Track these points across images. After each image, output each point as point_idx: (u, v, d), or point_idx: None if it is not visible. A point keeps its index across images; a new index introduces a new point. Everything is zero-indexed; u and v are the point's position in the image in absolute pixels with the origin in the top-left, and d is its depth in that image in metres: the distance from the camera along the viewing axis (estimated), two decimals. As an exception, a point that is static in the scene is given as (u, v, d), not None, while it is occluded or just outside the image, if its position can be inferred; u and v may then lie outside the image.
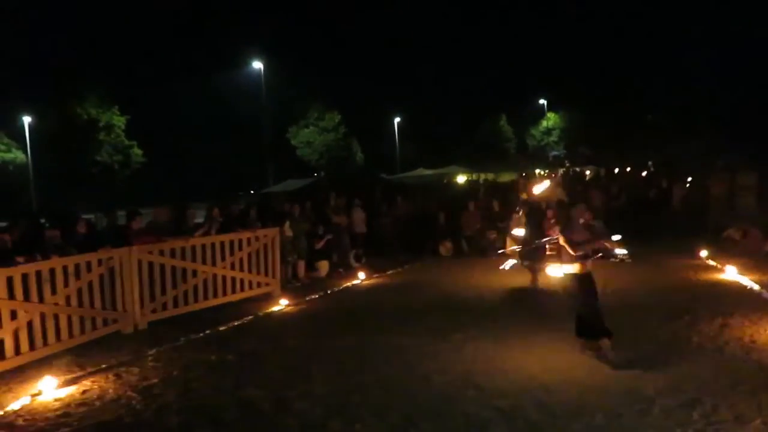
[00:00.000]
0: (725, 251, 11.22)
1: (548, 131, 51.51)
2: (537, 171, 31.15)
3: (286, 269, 10.91)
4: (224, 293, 9.37)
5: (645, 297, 8.51)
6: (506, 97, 51.15)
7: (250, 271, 9.78)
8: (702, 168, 17.15)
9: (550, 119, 51.51)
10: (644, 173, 23.52)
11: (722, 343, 6.23)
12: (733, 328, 6.69)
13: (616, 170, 24.82)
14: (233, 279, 9.53)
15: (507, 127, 52.98)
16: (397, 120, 51.15)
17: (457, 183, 28.12)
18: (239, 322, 8.31)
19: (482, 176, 29.24)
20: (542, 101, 52.48)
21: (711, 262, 10.73)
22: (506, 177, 29.07)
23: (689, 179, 16.73)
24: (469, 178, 29.55)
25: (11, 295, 6.55)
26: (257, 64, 37.67)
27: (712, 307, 7.59)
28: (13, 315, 6.59)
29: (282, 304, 9.20)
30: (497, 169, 34.20)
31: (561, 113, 50.78)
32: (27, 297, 6.72)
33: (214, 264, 9.18)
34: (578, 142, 47.12)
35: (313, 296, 9.88)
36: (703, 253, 11.23)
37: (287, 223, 11.12)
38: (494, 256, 12.61)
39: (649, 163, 28.57)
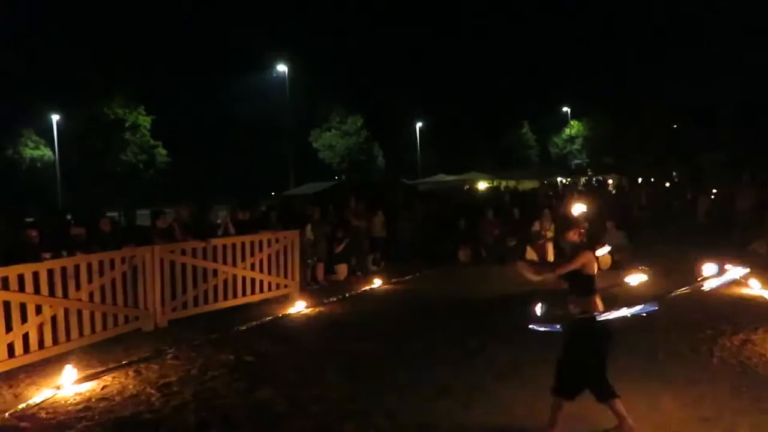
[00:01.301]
0: (750, 265, 11.02)
1: (571, 139, 51.13)
2: (559, 179, 30.95)
3: (305, 272, 10.98)
4: (244, 294, 9.46)
5: (665, 309, 8.38)
6: (529, 104, 51.02)
7: (269, 273, 9.87)
8: (728, 180, 16.88)
9: (573, 127, 51.12)
10: (668, 184, 23.24)
11: (744, 358, 6.12)
12: (755, 344, 6.57)
13: (639, 180, 24.55)
14: (253, 280, 9.63)
15: (529, 134, 52.76)
16: (419, 125, 51.18)
17: (477, 189, 28.03)
18: (258, 323, 8.38)
19: (503, 183, 29.10)
20: (566, 109, 52.19)
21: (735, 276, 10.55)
22: (528, 184, 28.93)
23: (714, 191, 16.48)
24: (490, 185, 29.43)
25: (36, 290, 6.70)
26: (282, 67, 38.00)
27: (735, 321, 7.46)
28: (38, 309, 6.73)
29: (300, 306, 9.26)
30: (519, 176, 34.06)
31: (584, 121, 50.37)
32: (52, 292, 6.87)
33: (234, 264, 9.29)
34: (601, 150, 46.73)
35: (331, 299, 9.92)
36: (728, 267, 11.05)
37: (309, 226, 11.21)
38: (513, 263, 12.60)
39: (674, 173, 28.23)
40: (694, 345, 6.63)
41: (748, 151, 27.09)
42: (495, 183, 29.73)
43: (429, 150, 50.54)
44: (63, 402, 5.56)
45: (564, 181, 31.10)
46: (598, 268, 4.55)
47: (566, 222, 4.73)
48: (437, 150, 49.33)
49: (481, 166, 37.82)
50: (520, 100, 52.52)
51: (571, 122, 51.51)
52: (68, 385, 5.87)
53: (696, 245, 12.65)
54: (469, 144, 48.22)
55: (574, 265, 4.37)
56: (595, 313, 4.33)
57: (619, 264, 11.72)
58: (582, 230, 4.51)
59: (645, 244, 12.52)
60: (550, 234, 12.96)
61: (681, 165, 30.89)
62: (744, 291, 9.47)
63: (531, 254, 13.10)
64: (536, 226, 13.16)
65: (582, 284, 4.39)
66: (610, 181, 26.67)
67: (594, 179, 28.13)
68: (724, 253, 11.53)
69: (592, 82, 49.10)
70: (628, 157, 38.84)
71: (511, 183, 29.83)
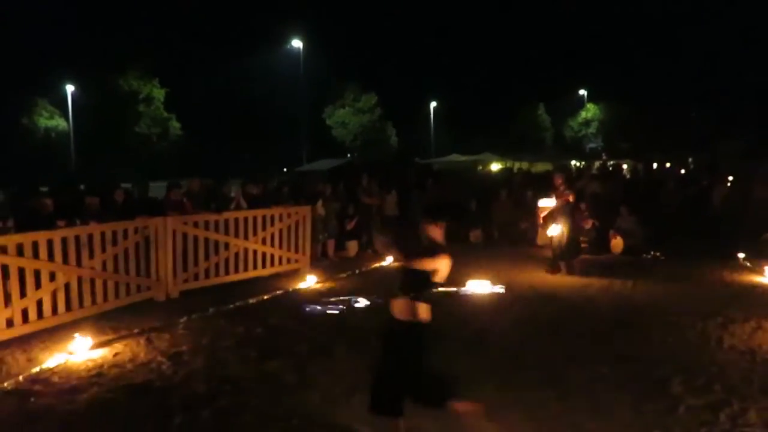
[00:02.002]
0: (764, 254, 10.92)
1: (586, 122, 50.54)
2: (573, 163, 30.70)
3: (316, 247, 11.02)
4: (255, 267, 9.51)
5: (677, 296, 8.35)
6: (546, 86, 50.37)
7: (281, 247, 9.91)
8: (745, 168, 16.64)
9: (589, 110, 50.51)
10: (683, 171, 22.98)
11: (755, 346, 6.08)
12: (766, 332, 6.53)
13: (655, 165, 24.32)
14: (264, 254, 9.67)
15: (544, 117, 52.17)
16: (433, 105, 50.81)
17: (490, 171, 27.88)
18: (268, 296, 8.44)
19: (516, 165, 28.90)
20: (582, 92, 51.52)
21: (748, 264, 10.47)
22: (541, 167, 28.72)
23: (731, 179, 16.27)
24: (504, 166, 29.25)
25: (50, 257, 6.77)
26: (297, 43, 37.77)
27: (747, 309, 7.41)
28: (52, 277, 6.81)
29: (310, 281, 9.30)
30: (532, 158, 33.80)
31: (601, 105, 49.75)
32: (65, 260, 6.94)
33: (246, 238, 9.32)
34: (617, 134, 46.22)
35: (341, 275, 9.96)
36: (741, 255, 10.96)
37: (320, 202, 11.22)
38: (525, 246, 12.56)
39: (690, 160, 27.91)
40: (705, 331, 6.60)
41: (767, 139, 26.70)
42: (508, 164, 29.53)
43: (443, 130, 50.24)
44: (75, 367, 5.65)
45: (578, 164, 30.82)
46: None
47: (433, 212, 4.01)
48: (451, 130, 49.00)
49: (494, 147, 37.57)
50: (537, 81, 51.88)
51: (588, 105, 50.90)
52: (81, 351, 5.96)
53: (709, 234, 12.57)
54: (484, 125, 47.84)
55: (427, 265, 3.84)
56: (420, 322, 3.82)
57: (632, 249, 11.67)
58: (442, 228, 3.91)
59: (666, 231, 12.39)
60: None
61: (698, 152, 30.52)
62: (757, 279, 9.41)
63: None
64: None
65: (420, 288, 3.82)
66: (625, 167, 26.40)
67: (608, 164, 27.87)
68: (736, 242, 11.48)
69: (610, 65, 48.32)
70: (643, 142, 38.43)
71: (525, 165, 29.63)
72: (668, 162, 25.81)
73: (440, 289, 4.00)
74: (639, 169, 22.82)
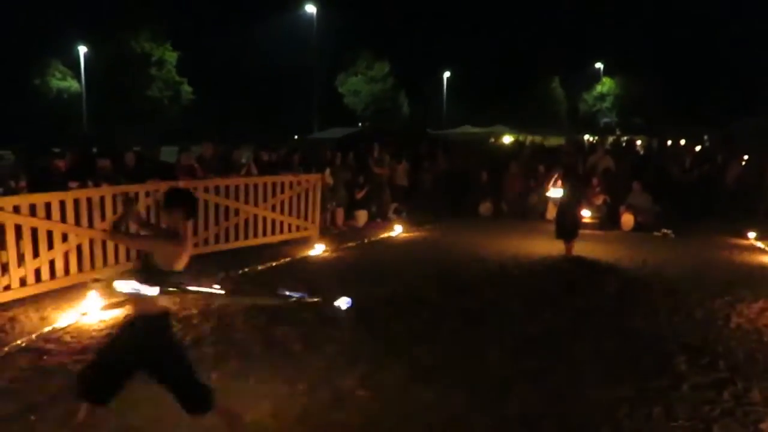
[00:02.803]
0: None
1: (602, 97, 49.86)
2: (586, 137, 30.37)
3: (324, 216, 11.05)
4: (264, 234, 9.57)
5: (685, 274, 8.33)
6: (561, 59, 49.46)
7: (290, 215, 9.94)
8: (761, 146, 16.40)
9: (605, 84, 49.74)
10: (698, 147, 22.66)
11: (761, 325, 6.07)
12: (774, 312, 6.53)
13: (669, 142, 23.96)
14: (273, 221, 9.72)
15: (559, 90, 51.46)
16: (446, 74, 50.22)
17: (502, 143, 27.65)
18: (276, 263, 8.50)
19: (529, 138, 28.62)
20: (599, 65, 50.67)
21: (759, 244, 10.40)
22: (554, 141, 28.45)
23: (746, 157, 16.07)
24: (516, 139, 28.98)
25: (63, 219, 6.83)
26: (310, 8, 37.27)
27: (755, 289, 7.38)
28: (64, 237, 6.89)
29: (319, 249, 9.35)
30: (545, 132, 33.46)
31: (617, 79, 48.96)
32: (78, 221, 7.01)
33: (255, 205, 9.36)
34: (632, 110, 45.57)
35: (349, 244, 10.01)
36: (751, 234, 10.89)
37: (328, 170, 11.20)
38: (534, 219, 12.52)
39: (705, 137, 27.50)
40: (713, 310, 6.60)
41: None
42: (521, 138, 29.24)
43: (455, 101, 49.72)
44: (87, 327, 5.74)
45: (591, 139, 30.49)
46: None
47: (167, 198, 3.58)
48: (464, 101, 48.48)
49: (507, 119, 37.18)
50: (552, 54, 50.91)
51: (604, 79, 50.12)
52: (92, 312, 6.05)
53: (721, 213, 12.48)
54: (497, 97, 47.29)
55: (147, 245, 3.60)
56: (157, 314, 3.42)
57: (642, 226, 11.61)
58: (186, 218, 3.52)
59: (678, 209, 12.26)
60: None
61: (713, 128, 30.06)
62: (767, 259, 9.36)
63: (552, 212, 13.00)
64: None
65: (153, 276, 3.35)
66: (639, 142, 26.07)
67: (622, 139, 27.55)
68: (747, 222, 11.39)
69: (627, 38, 47.25)
70: (659, 118, 37.91)
71: (537, 138, 29.34)
72: (683, 139, 25.44)
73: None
74: (653, 145, 22.55)
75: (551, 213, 12.99)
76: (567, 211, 9.32)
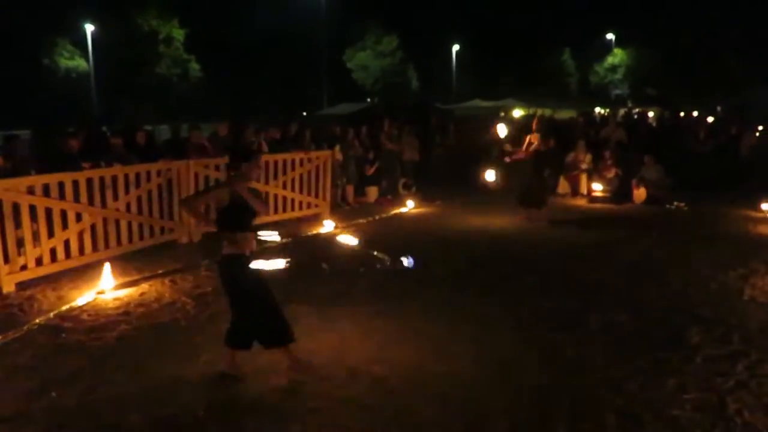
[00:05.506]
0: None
1: (613, 68, 49.08)
2: (598, 110, 30.07)
3: (334, 193, 11.04)
4: (275, 211, 9.59)
5: (699, 247, 8.29)
6: (572, 30, 48.63)
7: (301, 192, 9.96)
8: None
9: (617, 56, 48.93)
10: (711, 119, 22.38)
11: (775, 298, 6.06)
12: (788, 285, 6.49)
13: (681, 113, 23.70)
14: (284, 198, 9.74)
15: (570, 62, 50.74)
16: (455, 48, 49.61)
17: (513, 117, 27.42)
18: (288, 240, 8.53)
19: (539, 111, 28.38)
20: (610, 36, 49.81)
21: (773, 217, 10.31)
22: (565, 114, 28.18)
23: (760, 128, 15.84)
24: (526, 113, 28.75)
25: (76, 198, 6.88)
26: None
27: (769, 261, 7.34)
28: (78, 217, 6.94)
29: (330, 226, 9.37)
30: (556, 105, 33.15)
31: (629, 50, 48.13)
32: (91, 201, 7.06)
33: (266, 182, 9.37)
34: (644, 81, 44.88)
35: (360, 221, 10.02)
36: (765, 206, 10.78)
37: (337, 147, 11.17)
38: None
39: (718, 108, 27.14)
40: (726, 282, 6.58)
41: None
42: (531, 111, 28.99)
43: (465, 74, 49.18)
44: (103, 305, 5.82)
45: (602, 111, 30.17)
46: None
47: (238, 155, 4.29)
48: (473, 74, 47.93)
49: (517, 93, 36.80)
50: (563, 25, 50.05)
51: (615, 51, 49.29)
52: (108, 290, 6.13)
53: (735, 185, 12.34)
54: (507, 69, 46.71)
55: (203, 198, 4.59)
56: (241, 253, 4.19)
57: (655, 198, 11.53)
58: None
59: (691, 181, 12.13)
60: (585, 165, 12.74)
61: (727, 98, 29.62)
62: (782, 232, 9.28)
63: (564, 186, 12.93)
64: (571, 157, 12.92)
65: (227, 221, 4.19)
66: (651, 114, 25.79)
67: (634, 111, 27.24)
68: (762, 193, 11.26)
69: (640, 7, 46.31)
70: (671, 89, 37.34)
71: (548, 111, 29.08)
72: (696, 110, 25.14)
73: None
74: (665, 117, 22.29)
75: (563, 187, 12.96)
76: (532, 180, 9.86)
